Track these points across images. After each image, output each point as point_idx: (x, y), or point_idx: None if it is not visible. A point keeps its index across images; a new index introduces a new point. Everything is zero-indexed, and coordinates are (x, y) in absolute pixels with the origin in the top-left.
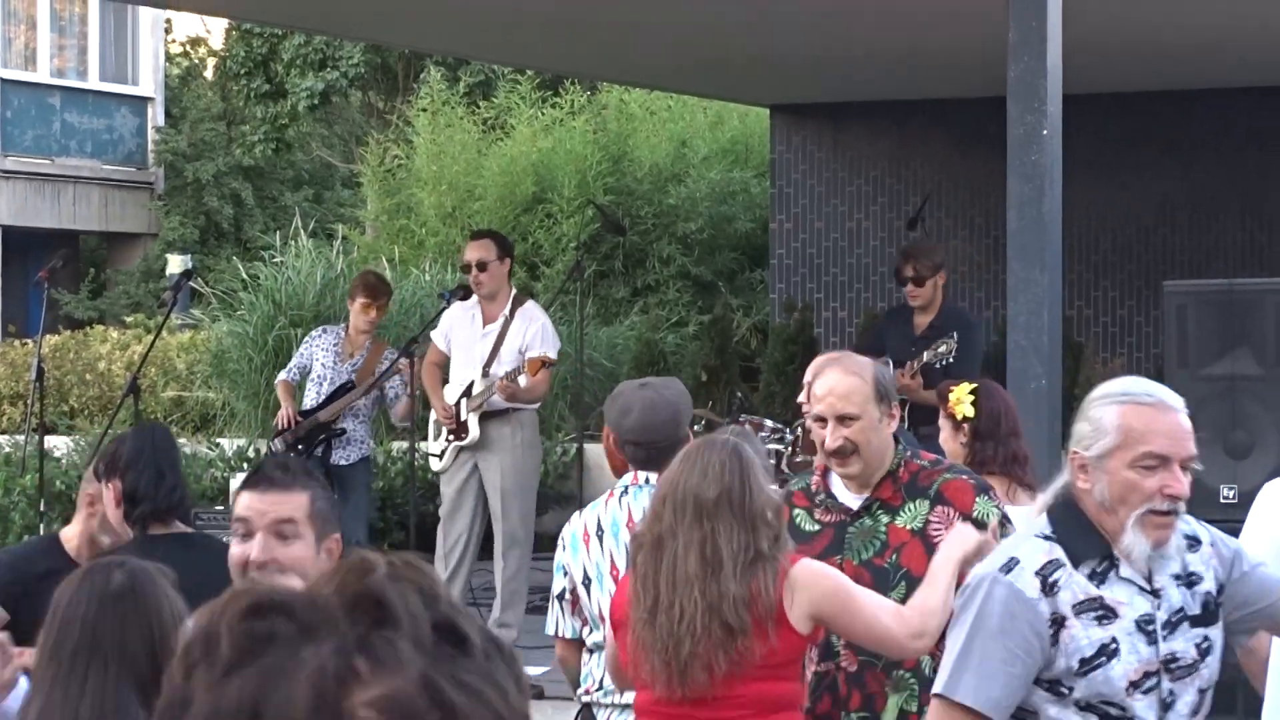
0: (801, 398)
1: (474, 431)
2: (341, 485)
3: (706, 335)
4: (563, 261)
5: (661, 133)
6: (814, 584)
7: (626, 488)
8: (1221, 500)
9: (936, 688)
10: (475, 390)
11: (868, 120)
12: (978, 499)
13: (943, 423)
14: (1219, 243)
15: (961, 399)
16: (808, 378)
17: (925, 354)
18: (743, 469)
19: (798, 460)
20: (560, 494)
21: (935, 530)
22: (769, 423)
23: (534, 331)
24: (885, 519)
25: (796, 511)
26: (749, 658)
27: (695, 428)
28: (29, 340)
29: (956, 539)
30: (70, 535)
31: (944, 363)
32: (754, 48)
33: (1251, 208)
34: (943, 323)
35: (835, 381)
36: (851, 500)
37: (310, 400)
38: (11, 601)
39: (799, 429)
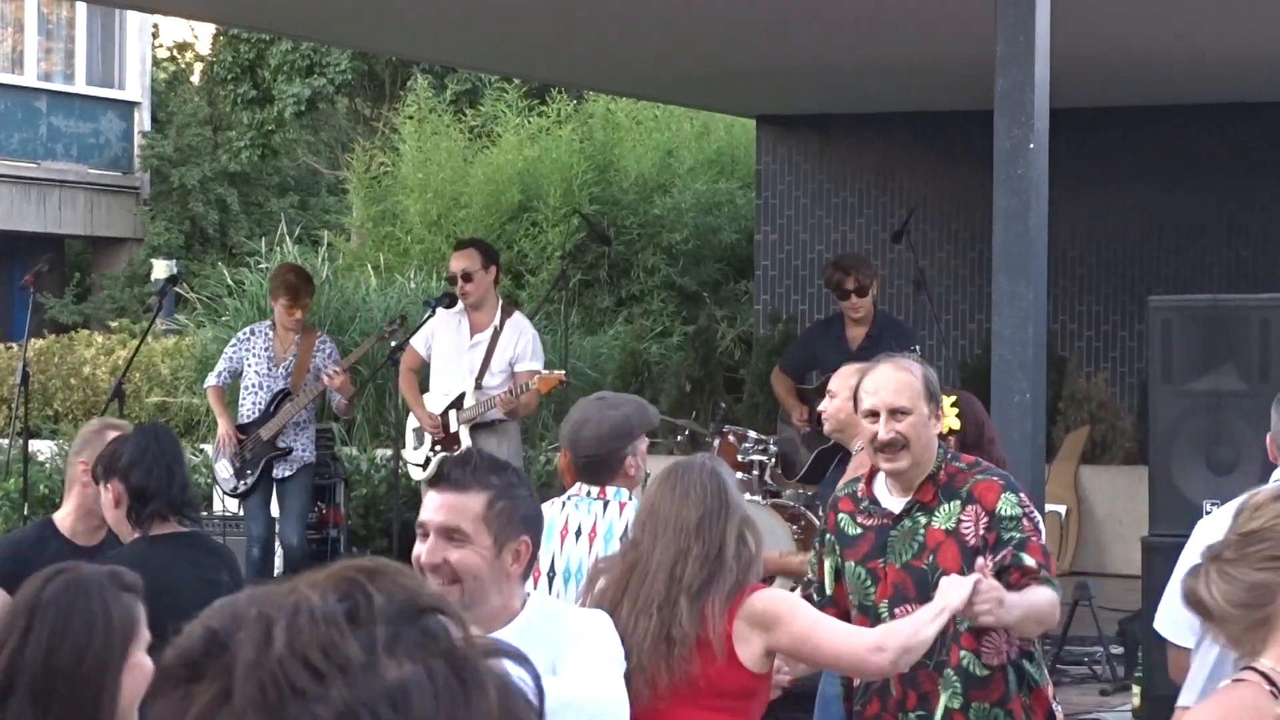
0: (822, 405)
1: (466, 443)
2: (282, 495)
3: (690, 346)
4: (548, 270)
5: (648, 142)
6: (767, 615)
7: (570, 495)
8: (1205, 515)
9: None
10: (468, 402)
11: (854, 132)
12: (1002, 495)
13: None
14: (1203, 257)
15: (947, 411)
16: (839, 382)
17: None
18: (722, 490)
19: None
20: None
21: (966, 529)
22: (752, 434)
23: (524, 344)
24: (924, 520)
25: (841, 516)
26: (692, 677)
27: (679, 438)
28: (13, 344)
29: (952, 590)
30: (63, 517)
31: None
32: (740, 58)
33: (1236, 222)
34: (879, 333)
35: (887, 377)
36: (894, 504)
37: (247, 412)
38: (12, 586)
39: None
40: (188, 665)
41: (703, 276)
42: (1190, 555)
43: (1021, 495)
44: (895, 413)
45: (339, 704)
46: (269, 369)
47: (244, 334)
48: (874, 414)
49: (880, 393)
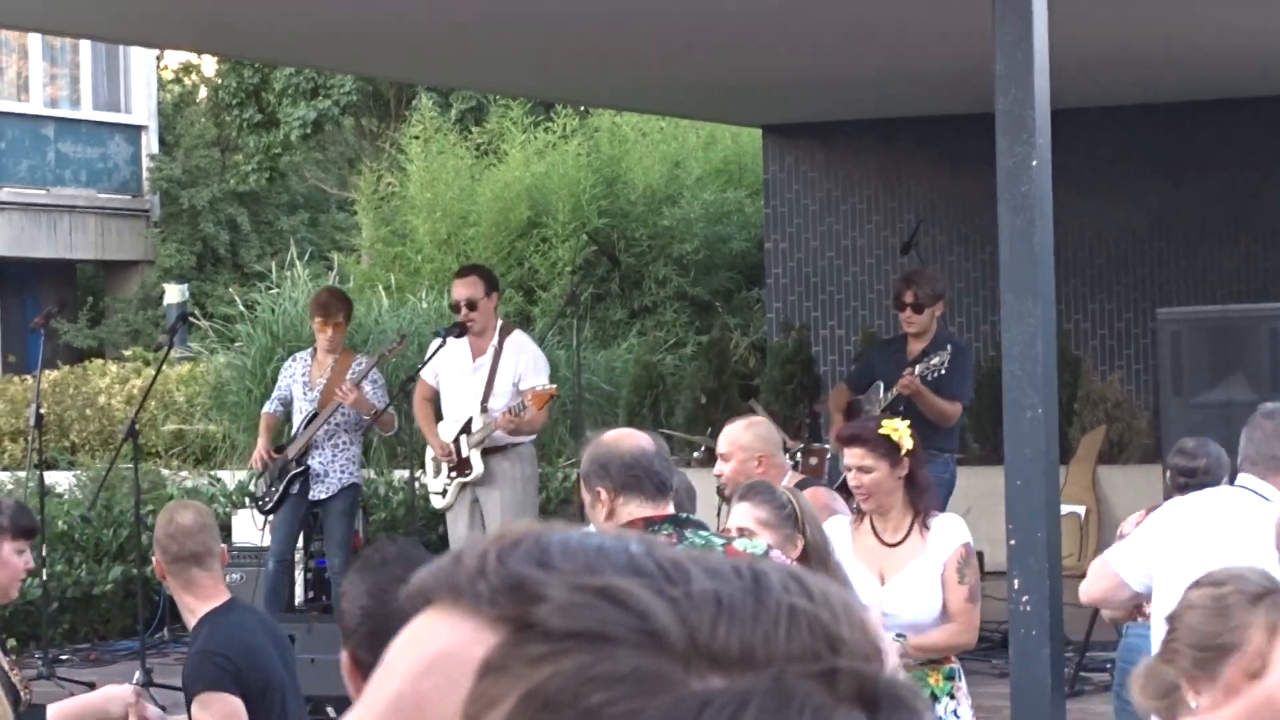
0: (717, 469)
1: (478, 467)
2: (323, 518)
3: (705, 357)
4: (559, 285)
5: (654, 154)
6: None
7: None
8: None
9: None
10: (475, 426)
11: (859, 139)
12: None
13: (876, 463)
14: (1213, 256)
15: (902, 431)
16: (727, 445)
17: (918, 366)
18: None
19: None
20: (562, 519)
21: None
22: None
23: (526, 361)
24: None
25: None
26: None
27: (696, 454)
28: (28, 376)
29: None
30: None
31: (935, 375)
32: (743, 69)
33: (1245, 221)
34: (932, 350)
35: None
36: None
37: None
38: None
39: (799, 454)
40: None
41: (714, 286)
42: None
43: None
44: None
45: None
46: (304, 393)
47: (289, 362)
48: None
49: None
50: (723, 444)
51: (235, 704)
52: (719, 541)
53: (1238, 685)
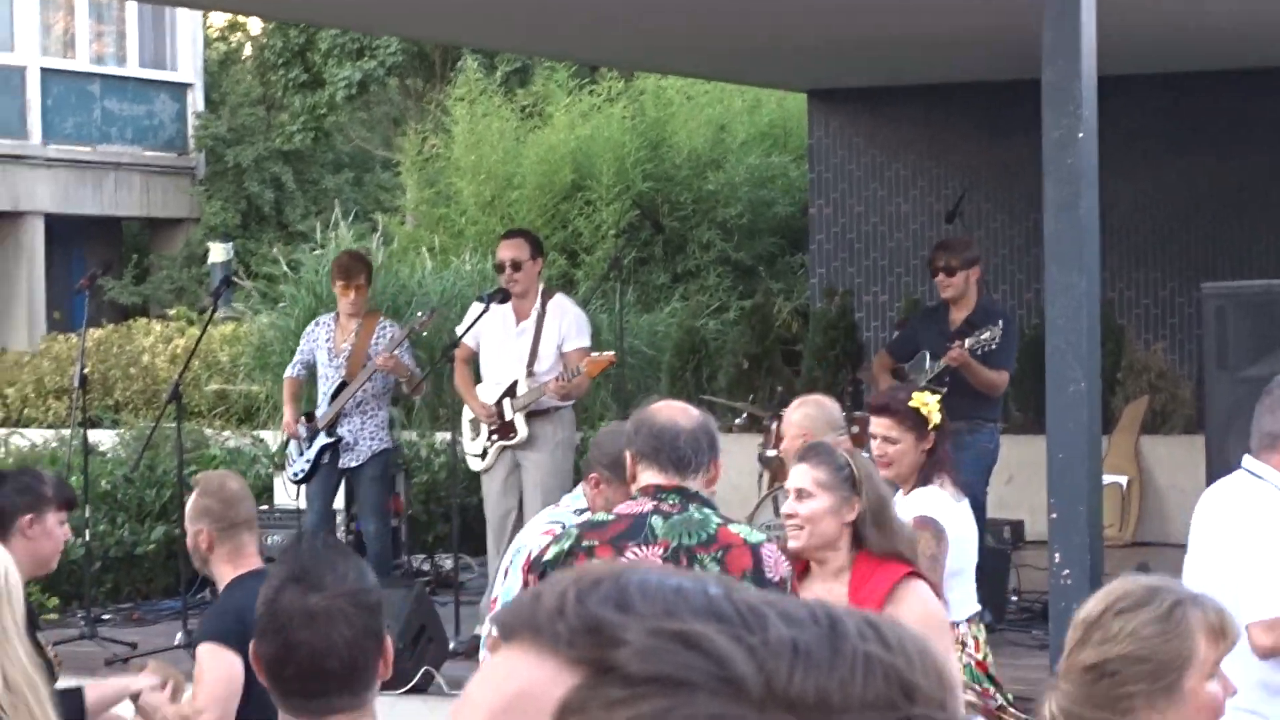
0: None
1: (522, 430)
2: (355, 486)
3: (747, 322)
4: (602, 249)
5: (699, 118)
6: None
7: None
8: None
9: None
10: (520, 390)
11: (904, 104)
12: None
13: (902, 435)
14: (1259, 226)
15: (932, 405)
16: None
17: (968, 340)
18: None
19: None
20: None
21: None
22: None
23: (569, 324)
24: None
25: None
26: None
27: (738, 420)
28: (73, 335)
29: None
30: None
31: (986, 349)
32: (789, 33)
33: None
34: (979, 320)
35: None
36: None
37: (318, 403)
38: None
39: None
40: None
41: (758, 250)
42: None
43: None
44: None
45: None
46: (329, 359)
47: (310, 326)
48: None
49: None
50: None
51: (234, 664)
52: (716, 521)
53: (1199, 692)
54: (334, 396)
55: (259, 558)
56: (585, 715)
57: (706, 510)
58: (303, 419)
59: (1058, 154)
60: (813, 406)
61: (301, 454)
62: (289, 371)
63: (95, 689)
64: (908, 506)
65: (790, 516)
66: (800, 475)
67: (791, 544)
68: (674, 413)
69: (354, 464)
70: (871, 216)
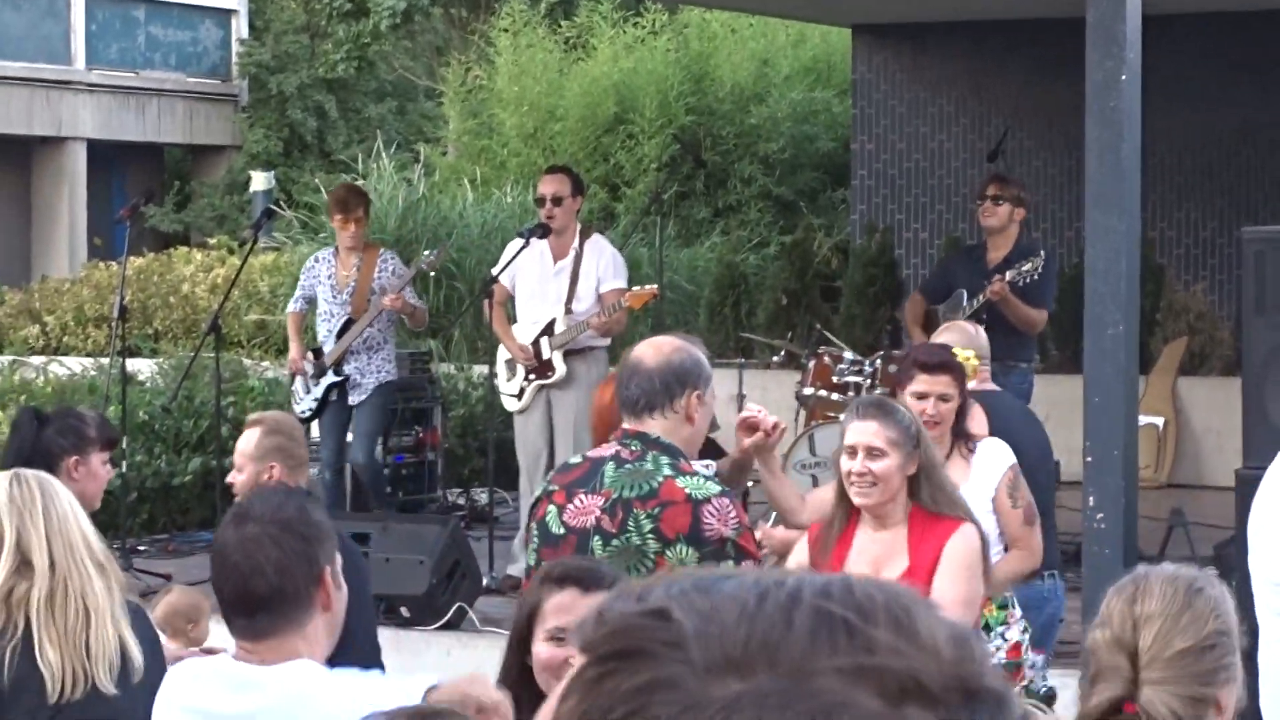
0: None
1: (560, 369)
2: (358, 419)
3: (787, 257)
4: (644, 182)
5: (743, 51)
6: None
7: None
8: None
9: None
10: (558, 329)
11: (948, 41)
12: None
13: (957, 392)
14: None
15: (969, 358)
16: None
17: (1009, 272)
18: None
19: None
20: None
21: None
22: (848, 355)
23: (605, 264)
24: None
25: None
26: None
27: (775, 358)
28: (114, 262)
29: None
30: None
31: (1026, 281)
32: None
33: None
34: (1016, 260)
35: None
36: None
37: (321, 339)
38: None
39: (878, 361)
40: None
41: (799, 185)
42: (1270, 490)
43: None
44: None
45: None
46: (333, 295)
47: (309, 262)
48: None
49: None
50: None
51: None
52: (665, 473)
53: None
54: (339, 333)
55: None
56: (568, 699)
57: (662, 459)
58: (309, 354)
59: (1100, 96)
60: (958, 333)
61: (309, 391)
62: (291, 306)
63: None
64: (985, 458)
65: (862, 475)
66: (870, 433)
67: (860, 500)
68: (643, 351)
69: (360, 399)
70: (914, 153)
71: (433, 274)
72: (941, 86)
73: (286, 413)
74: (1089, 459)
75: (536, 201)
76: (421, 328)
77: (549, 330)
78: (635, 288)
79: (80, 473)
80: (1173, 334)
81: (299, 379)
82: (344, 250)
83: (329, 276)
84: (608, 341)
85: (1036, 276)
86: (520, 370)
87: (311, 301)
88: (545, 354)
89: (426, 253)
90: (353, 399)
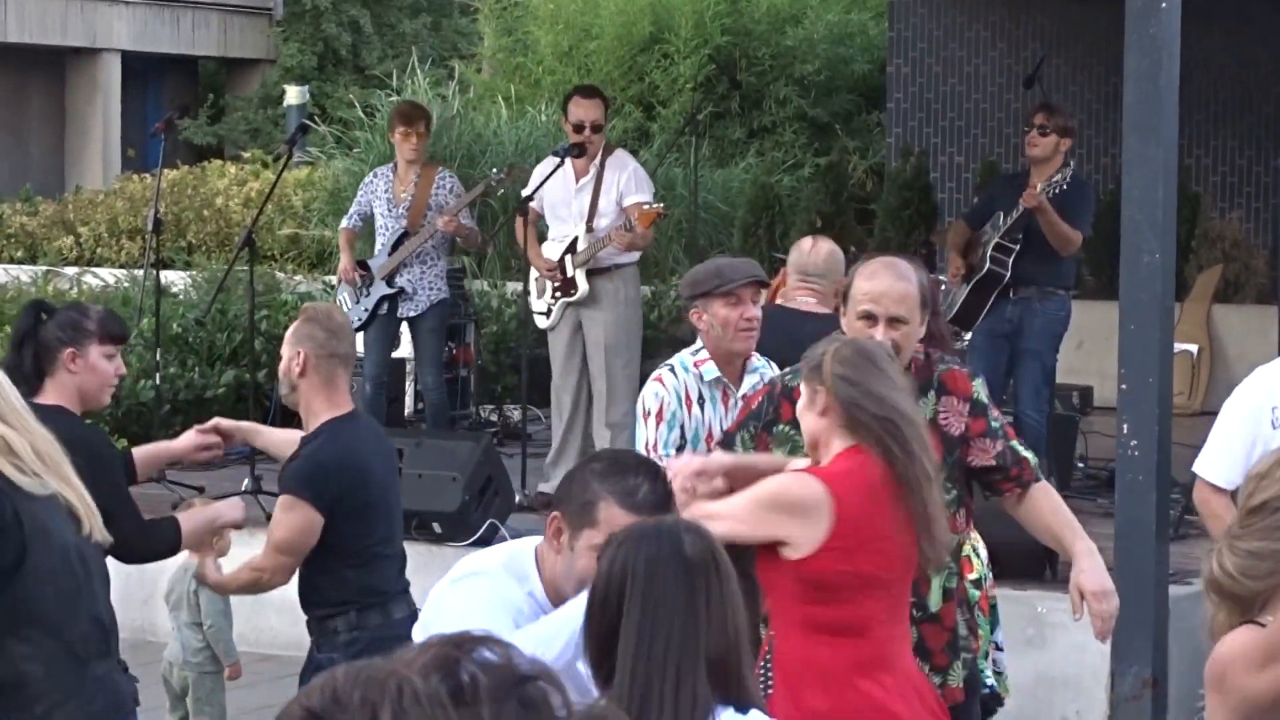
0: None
1: (583, 287)
2: (414, 336)
3: (822, 179)
4: (679, 102)
5: None
6: None
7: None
8: None
9: None
10: (580, 246)
11: None
12: (973, 382)
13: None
14: None
15: None
16: (852, 278)
17: (1039, 184)
18: None
19: None
20: (673, 338)
21: (946, 419)
22: None
23: (626, 178)
24: None
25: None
26: None
27: None
28: (148, 175)
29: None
30: None
31: (1056, 191)
32: None
33: None
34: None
35: (889, 285)
36: None
37: (377, 254)
38: None
39: None
40: None
41: (834, 108)
42: (1243, 397)
43: (981, 378)
44: (894, 321)
45: None
46: (389, 209)
47: (368, 178)
48: (870, 318)
49: (883, 300)
50: None
51: (314, 519)
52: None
53: None
54: (394, 247)
55: (350, 400)
56: None
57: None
58: (357, 267)
59: (1139, 23)
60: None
61: (358, 302)
62: (345, 222)
63: (186, 518)
64: None
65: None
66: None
67: None
68: None
69: (413, 313)
70: (950, 77)
71: None
72: (979, 10)
73: (337, 307)
74: (1123, 386)
75: (575, 127)
76: (474, 249)
77: (573, 248)
78: (645, 205)
79: (78, 365)
80: (1208, 262)
81: (346, 289)
82: (403, 164)
83: (386, 191)
84: (635, 257)
85: (1066, 186)
86: (549, 287)
87: (366, 219)
88: (569, 271)
89: (495, 170)
90: (405, 311)
